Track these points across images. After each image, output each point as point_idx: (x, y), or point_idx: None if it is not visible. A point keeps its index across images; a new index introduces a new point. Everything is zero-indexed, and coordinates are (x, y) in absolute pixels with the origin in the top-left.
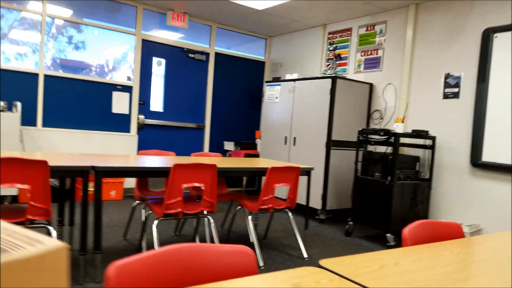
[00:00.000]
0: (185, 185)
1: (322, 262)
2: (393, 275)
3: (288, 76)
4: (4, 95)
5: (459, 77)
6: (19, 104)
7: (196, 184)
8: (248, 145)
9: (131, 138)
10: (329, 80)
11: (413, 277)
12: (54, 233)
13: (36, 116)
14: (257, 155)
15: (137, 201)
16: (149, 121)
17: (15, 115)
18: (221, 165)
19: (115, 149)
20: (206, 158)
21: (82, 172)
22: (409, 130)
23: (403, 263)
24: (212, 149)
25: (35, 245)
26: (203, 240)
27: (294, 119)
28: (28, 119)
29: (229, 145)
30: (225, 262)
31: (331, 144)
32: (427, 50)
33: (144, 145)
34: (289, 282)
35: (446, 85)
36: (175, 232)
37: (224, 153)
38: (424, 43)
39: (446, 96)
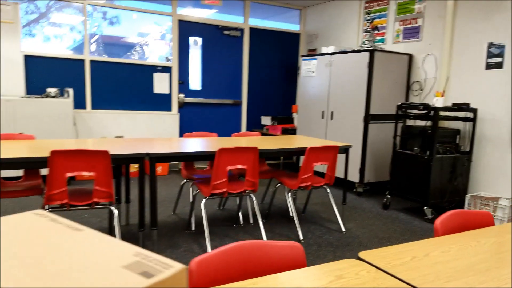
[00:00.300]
0: (229, 168)
1: (361, 254)
2: (423, 266)
3: (324, 50)
4: (55, 82)
5: (502, 47)
6: (71, 90)
7: (240, 166)
8: (284, 120)
9: (173, 116)
10: (367, 54)
11: (441, 268)
12: (115, 212)
13: (85, 99)
14: (293, 130)
15: (185, 180)
16: (189, 100)
17: (68, 100)
18: (261, 145)
19: (158, 127)
20: (247, 138)
21: (138, 159)
22: (450, 103)
23: (433, 254)
24: (249, 124)
25: (165, 267)
26: (245, 214)
27: (331, 93)
28: (78, 103)
29: (266, 120)
30: (280, 255)
31: (369, 118)
32: (469, 18)
33: (185, 122)
34: (333, 274)
35: (489, 54)
36: (219, 207)
37: (261, 127)
38: (466, 11)
39: (488, 66)
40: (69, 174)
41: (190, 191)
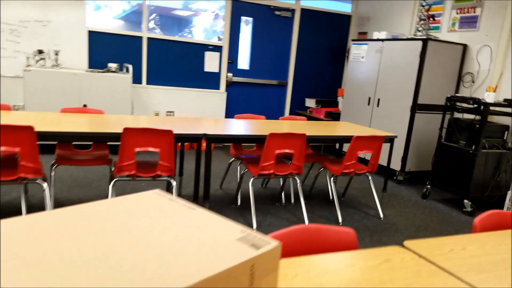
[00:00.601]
0: (277, 151)
1: (406, 243)
2: (459, 258)
3: (375, 35)
4: (115, 57)
5: None
6: (130, 66)
7: (287, 151)
8: (329, 103)
9: (221, 95)
10: (420, 43)
11: (474, 261)
12: (174, 183)
13: (141, 75)
14: (337, 114)
15: (233, 158)
16: (236, 79)
17: (127, 76)
18: (308, 131)
19: (206, 104)
20: (294, 123)
21: (196, 139)
22: (501, 99)
23: (469, 248)
24: (293, 105)
25: (266, 242)
26: (287, 194)
27: (380, 80)
28: (134, 78)
29: (310, 102)
30: (335, 238)
31: (417, 107)
32: None
33: (231, 101)
34: (381, 258)
35: None
36: (262, 185)
37: (305, 109)
38: None
39: None
40: (137, 149)
41: (238, 169)
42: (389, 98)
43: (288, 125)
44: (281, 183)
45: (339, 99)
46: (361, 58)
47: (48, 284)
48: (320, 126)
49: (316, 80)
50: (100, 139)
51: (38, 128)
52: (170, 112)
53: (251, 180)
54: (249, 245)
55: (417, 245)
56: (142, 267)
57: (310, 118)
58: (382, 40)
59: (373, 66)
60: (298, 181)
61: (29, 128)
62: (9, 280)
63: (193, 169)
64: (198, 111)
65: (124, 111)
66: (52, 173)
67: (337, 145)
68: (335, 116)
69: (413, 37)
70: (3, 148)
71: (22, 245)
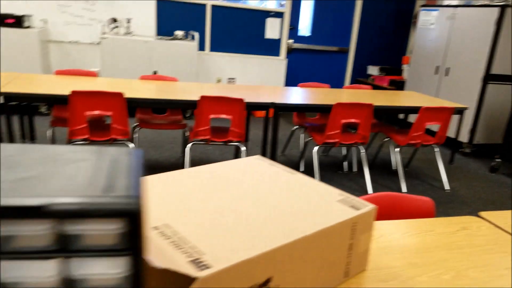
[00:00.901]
0: (344, 121)
1: (481, 213)
2: None
3: (447, 1)
4: (180, 25)
5: None
6: (196, 34)
7: (353, 120)
8: (393, 71)
9: (281, 62)
10: (497, 10)
11: None
12: (243, 148)
13: (205, 42)
14: (402, 82)
15: (296, 126)
16: (297, 45)
17: (193, 43)
18: (374, 101)
19: (266, 71)
20: (358, 92)
21: (265, 107)
22: None
23: None
24: (355, 73)
25: (363, 204)
26: (350, 163)
27: (450, 49)
28: (198, 45)
29: (373, 70)
30: (414, 206)
31: (489, 78)
32: None
33: (291, 68)
34: (458, 226)
35: None
36: (323, 153)
37: (367, 77)
38: None
39: None
40: (212, 116)
41: (301, 137)
42: (459, 67)
43: (353, 94)
44: (344, 152)
45: (404, 67)
46: (430, 25)
47: (204, 224)
48: (385, 96)
49: (380, 47)
50: (178, 105)
51: (126, 94)
52: (232, 79)
53: (315, 148)
54: (349, 206)
55: (493, 216)
56: (267, 219)
57: (372, 86)
58: (455, 6)
59: (443, 33)
60: (363, 150)
61: (120, 95)
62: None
63: (255, 135)
64: (258, 78)
65: (189, 77)
66: (135, 135)
67: (403, 115)
68: (399, 85)
69: (489, 3)
70: (97, 112)
71: (170, 195)
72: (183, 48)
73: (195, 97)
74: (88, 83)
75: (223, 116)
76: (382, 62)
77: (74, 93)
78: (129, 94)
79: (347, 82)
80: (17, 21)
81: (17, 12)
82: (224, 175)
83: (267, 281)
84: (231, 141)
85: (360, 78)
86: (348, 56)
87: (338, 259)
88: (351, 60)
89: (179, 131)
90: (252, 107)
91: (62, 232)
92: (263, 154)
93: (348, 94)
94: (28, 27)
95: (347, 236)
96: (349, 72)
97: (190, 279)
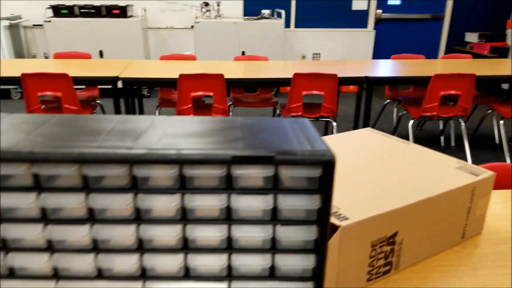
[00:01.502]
0: (443, 93)
1: None
2: None
3: None
4: (266, 3)
5: None
6: (282, 12)
7: (453, 92)
8: (494, 37)
9: (368, 33)
10: None
11: None
12: (334, 124)
13: (290, 19)
14: (505, 49)
15: (388, 100)
16: (386, 15)
17: (280, 21)
18: (476, 70)
19: (353, 45)
20: (457, 62)
21: (358, 82)
22: None
23: None
24: (450, 41)
25: (481, 171)
26: (447, 137)
27: None
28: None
29: (471, 37)
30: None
31: None
32: None
33: (380, 40)
34: None
35: None
36: (417, 127)
37: (464, 45)
38: None
39: None
40: (304, 93)
41: (394, 111)
42: None
43: (451, 64)
44: (442, 125)
45: (508, 31)
46: None
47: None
48: (487, 64)
49: (479, 11)
50: (272, 84)
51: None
52: (316, 54)
53: (411, 122)
54: (468, 173)
55: None
56: (393, 182)
57: (472, 55)
58: None
59: None
60: (463, 124)
61: (221, 76)
62: None
63: (342, 110)
64: (344, 53)
65: (275, 55)
66: (230, 113)
67: (506, 86)
68: (502, 52)
69: None
70: (199, 93)
71: None
72: (269, 27)
73: (287, 74)
74: (189, 66)
75: (315, 92)
76: (481, 27)
77: (181, 76)
78: (226, 75)
79: (441, 52)
80: (122, 11)
81: (121, 3)
82: (340, 146)
83: (394, 234)
84: (323, 117)
85: (456, 46)
86: (442, 23)
87: (457, 220)
88: (446, 28)
89: (269, 108)
90: (345, 82)
91: (278, 175)
92: (355, 129)
93: (446, 65)
94: (131, 16)
95: (466, 200)
96: (444, 41)
97: (334, 227)
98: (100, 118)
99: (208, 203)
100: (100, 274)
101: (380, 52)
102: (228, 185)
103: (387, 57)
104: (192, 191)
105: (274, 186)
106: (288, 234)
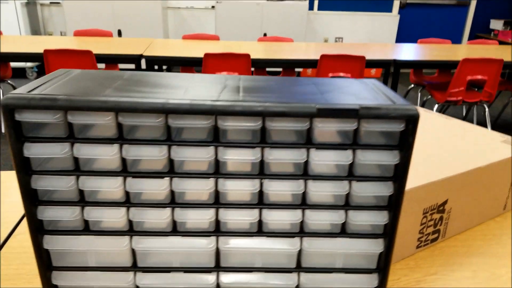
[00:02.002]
0: (469, 77)
1: None
2: None
3: None
4: None
5: None
6: None
7: (480, 77)
8: None
9: (392, 18)
10: None
11: None
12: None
13: (314, 1)
14: None
15: (412, 85)
16: (411, 0)
17: (304, 3)
18: (503, 56)
19: (376, 29)
20: (485, 47)
21: (385, 64)
22: None
23: None
24: (474, 28)
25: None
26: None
27: None
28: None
29: (496, 24)
30: None
31: None
32: None
33: (403, 25)
34: None
35: None
36: (439, 111)
37: (489, 32)
38: None
39: None
40: (330, 75)
41: (418, 96)
42: None
43: (477, 50)
44: (465, 111)
45: None
46: None
47: None
48: None
49: None
50: (297, 65)
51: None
52: (339, 38)
53: (435, 106)
54: None
55: None
56: (442, 154)
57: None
58: None
59: None
60: (487, 109)
61: (246, 56)
62: None
63: None
64: (367, 37)
65: (297, 38)
66: None
67: None
68: None
69: None
70: (224, 73)
71: None
72: (293, 9)
73: (311, 56)
74: (212, 45)
75: (342, 74)
76: (507, 15)
77: (207, 55)
78: (251, 55)
79: (465, 39)
80: None
81: None
82: None
83: (444, 202)
84: None
85: (480, 33)
86: (467, 10)
87: (500, 192)
88: (471, 14)
89: None
90: (372, 64)
91: (362, 128)
92: None
93: (473, 50)
94: None
95: (510, 172)
96: (468, 27)
97: None
98: (152, 74)
99: (286, 157)
100: (175, 228)
101: (404, 37)
102: (308, 140)
103: (411, 42)
104: (271, 146)
105: (353, 142)
106: (363, 190)
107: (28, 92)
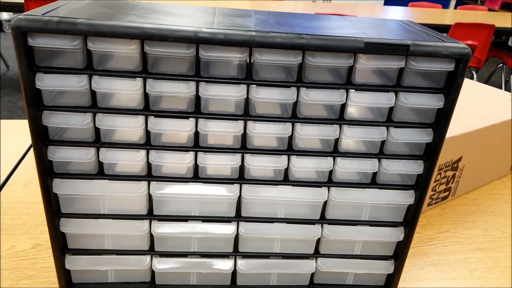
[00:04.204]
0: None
1: None
2: None
3: None
4: None
5: None
6: None
7: (470, 42)
8: None
9: None
10: None
11: None
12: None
13: None
14: None
15: None
16: None
17: None
18: (494, 22)
19: None
20: (475, 13)
21: None
22: None
23: None
24: None
25: None
26: None
27: None
28: None
29: None
30: None
31: None
32: None
33: None
34: None
35: None
36: None
37: (475, 0)
38: None
39: None
40: None
41: None
42: None
43: (467, 15)
44: None
45: None
46: None
47: None
48: (502, 17)
49: None
50: None
51: None
52: None
53: None
54: None
55: None
56: (459, 111)
57: (492, 12)
58: None
59: None
60: (475, 75)
61: None
62: None
63: None
64: None
65: None
66: None
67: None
68: None
69: None
70: None
71: None
72: None
73: None
74: (198, 1)
75: None
76: None
77: None
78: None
79: (452, 5)
80: None
81: None
82: None
83: (459, 159)
84: None
85: (467, 0)
86: None
87: (509, 152)
88: None
89: None
90: None
91: (409, 67)
92: None
93: (463, 15)
94: None
95: None
96: None
97: None
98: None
99: (322, 99)
100: (196, 174)
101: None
102: (348, 81)
103: (400, 5)
104: (308, 86)
105: (396, 84)
106: (401, 137)
107: (43, 14)
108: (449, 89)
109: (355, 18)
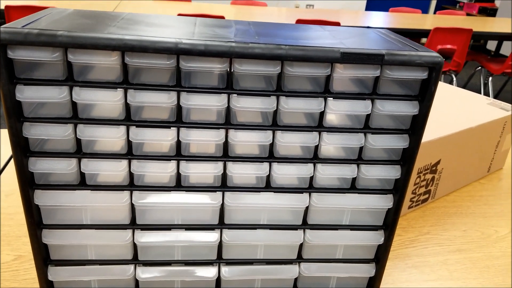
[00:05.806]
0: (440, 47)
1: None
2: None
3: None
4: None
5: None
6: None
7: (449, 46)
8: None
9: None
10: None
11: None
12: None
13: None
14: (494, 10)
15: None
16: None
17: None
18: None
19: None
20: (453, 18)
21: None
22: None
23: None
24: (441, 0)
25: (508, 108)
26: None
27: None
28: None
29: None
30: None
31: None
32: None
33: None
34: None
35: None
36: None
37: (454, 4)
38: None
39: None
40: None
41: None
42: None
43: (446, 19)
44: None
45: None
46: None
47: None
48: (479, 22)
49: None
50: None
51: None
52: (310, 5)
53: None
54: (499, 108)
55: None
56: (436, 118)
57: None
58: None
59: None
60: (455, 78)
61: (221, 18)
62: None
63: None
64: (338, 5)
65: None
66: None
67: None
68: (490, 12)
69: None
70: None
71: None
72: None
73: (286, 21)
74: (185, 7)
75: None
76: None
77: (181, 16)
78: (226, 18)
79: (432, 10)
80: None
81: None
82: None
83: (437, 162)
84: None
85: (446, 5)
86: None
87: (486, 154)
88: None
89: None
90: None
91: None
92: None
93: (442, 20)
94: None
95: (497, 133)
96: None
97: None
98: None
99: (302, 107)
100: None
101: (373, 5)
102: (326, 89)
103: (381, 10)
104: (286, 94)
105: (372, 91)
106: (378, 143)
107: (23, 27)
108: (423, 96)
109: (334, 27)
